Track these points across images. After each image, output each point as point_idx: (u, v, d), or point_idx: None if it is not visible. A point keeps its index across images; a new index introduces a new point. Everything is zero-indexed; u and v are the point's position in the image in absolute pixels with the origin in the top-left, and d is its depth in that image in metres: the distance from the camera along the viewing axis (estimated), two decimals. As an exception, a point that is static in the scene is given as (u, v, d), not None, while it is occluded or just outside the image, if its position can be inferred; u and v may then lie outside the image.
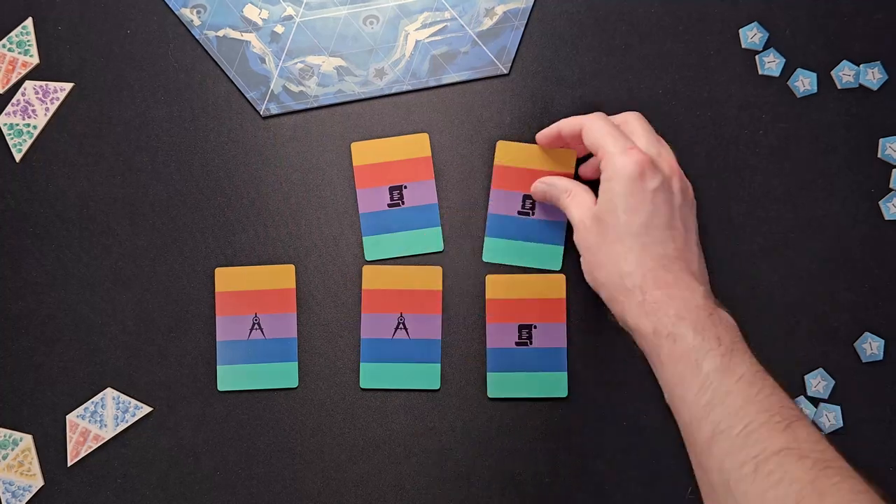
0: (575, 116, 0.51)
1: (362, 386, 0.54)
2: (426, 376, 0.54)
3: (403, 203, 0.55)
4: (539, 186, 0.53)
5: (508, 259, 0.55)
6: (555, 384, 0.53)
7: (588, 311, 0.54)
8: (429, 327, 0.54)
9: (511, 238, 0.55)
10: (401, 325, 0.54)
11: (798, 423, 0.39)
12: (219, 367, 0.54)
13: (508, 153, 0.55)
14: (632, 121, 0.50)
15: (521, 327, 0.54)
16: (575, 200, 0.50)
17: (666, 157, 0.49)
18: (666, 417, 0.53)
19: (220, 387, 0.54)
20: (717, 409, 0.40)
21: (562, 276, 0.54)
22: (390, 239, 0.55)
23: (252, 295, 0.54)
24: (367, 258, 0.55)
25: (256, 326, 0.54)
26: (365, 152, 0.55)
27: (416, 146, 0.55)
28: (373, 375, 0.54)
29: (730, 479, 0.39)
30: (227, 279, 0.55)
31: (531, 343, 0.54)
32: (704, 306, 0.44)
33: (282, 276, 0.55)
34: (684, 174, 0.49)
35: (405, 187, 0.55)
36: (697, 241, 0.48)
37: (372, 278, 0.54)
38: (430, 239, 0.55)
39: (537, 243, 0.55)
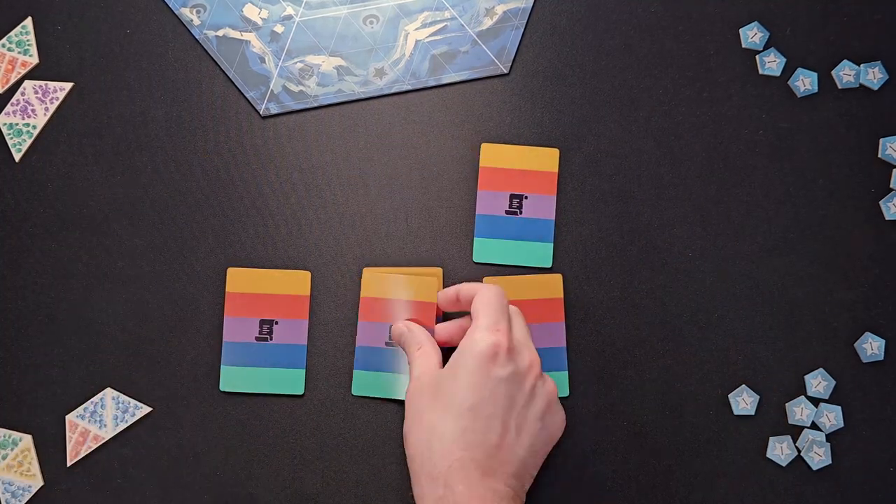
0: (477, 283, 0.49)
1: (354, 393, 0.54)
2: None
3: (521, 213, 0.55)
4: (397, 328, 0.52)
5: (499, 258, 0.55)
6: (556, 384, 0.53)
7: (587, 308, 0.54)
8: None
9: (500, 237, 0.55)
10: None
11: None
12: (223, 368, 0.54)
13: (493, 154, 0.55)
14: (515, 314, 0.48)
15: None
16: (422, 356, 0.49)
17: (529, 357, 0.46)
18: (666, 418, 0.53)
19: (223, 387, 0.54)
20: None
21: (558, 276, 0.54)
22: (502, 245, 0.55)
23: (264, 298, 0.54)
24: (476, 259, 0.55)
25: (266, 330, 0.54)
26: (493, 155, 0.56)
27: (546, 159, 0.55)
28: (365, 384, 0.54)
29: None
30: (239, 280, 0.54)
31: None
32: None
33: (297, 282, 0.54)
34: (549, 383, 0.47)
35: (525, 197, 0.55)
36: (530, 449, 0.45)
37: (369, 286, 0.54)
38: (541, 253, 0.55)
39: (527, 241, 0.55)
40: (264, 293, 0.54)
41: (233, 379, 0.54)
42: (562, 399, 0.54)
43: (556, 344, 0.54)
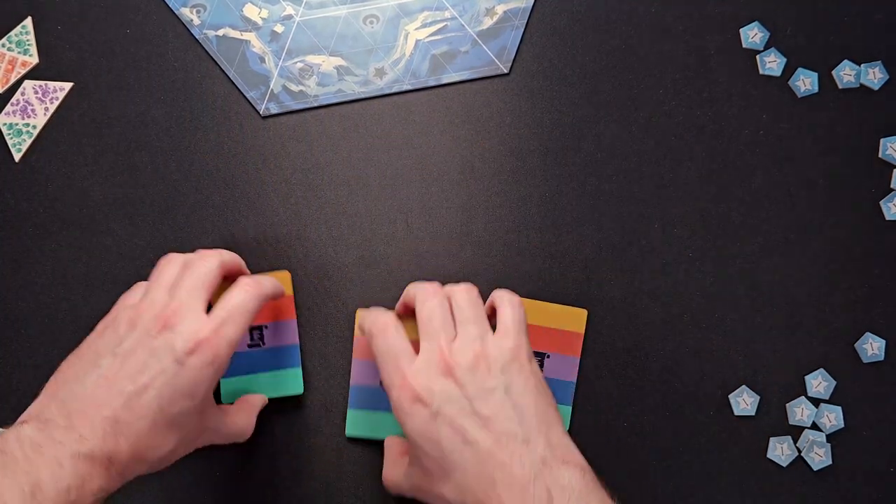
0: (409, 288, 0.48)
1: (347, 434, 0.53)
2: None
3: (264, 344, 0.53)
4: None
5: (370, 433, 0.53)
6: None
7: (587, 309, 0.54)
8: None
9: (374, 409, 0.53)
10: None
11: None
12: (221, 381, 0.52)
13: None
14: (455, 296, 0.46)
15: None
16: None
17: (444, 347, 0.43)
18: (666, 418, 0.53)
19: (224, 400, 0.53)
20: None
21: (583, 311, 0.54)
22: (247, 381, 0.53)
23: None
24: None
25: (257, 336, 0.53)
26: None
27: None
28: (359, 423, 0.53)
29: None
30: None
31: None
32: None
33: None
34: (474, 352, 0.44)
35: (265, 327, 0.53)
36: (521, 411, 0.42)
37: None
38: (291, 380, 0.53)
39: None
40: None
41: (232, 391, 0.53)
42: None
43: (568, 378, 0.53)
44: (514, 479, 0.40)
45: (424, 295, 0.46)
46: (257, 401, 0.51)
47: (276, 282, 0.49)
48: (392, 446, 0.51)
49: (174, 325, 0.42)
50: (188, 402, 0.42)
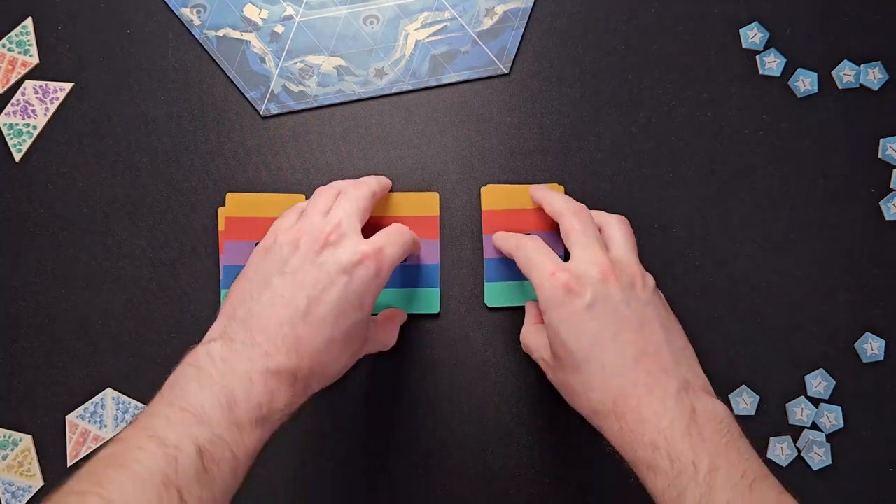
0: (555, 197, 0.49)
1: (487, 304, 0.54)
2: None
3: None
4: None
5: (509, 301, 0.54)
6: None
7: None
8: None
9: (510, 280, 0.54)
10: None
11: None
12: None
13: (493, 196, 0.55)
14: (613, 226, 0.48)
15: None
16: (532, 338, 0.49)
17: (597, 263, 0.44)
18: (666, 417, 0.53)
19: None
20: None
21: (435, 194, 0.55)
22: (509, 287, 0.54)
23: (262, 222, 0.54)
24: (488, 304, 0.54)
25: None
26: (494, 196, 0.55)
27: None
28: (497, 294, 0.54)
29: None
30: (237, 205, 0.54)
31: None
32: (677, 423, 0.40)
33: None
34: (636, 271, 0.45)
35: None
36: (668, 332, 0.44)
37: (489, 200, 0.55)
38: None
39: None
40: (262, 216, 0.54)
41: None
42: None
43: (432, 261, 0.54)
44: (657, 386, 0.41)
45: (576, 208, 0.48)
46: (400, 315, 0.53)
47: (416, 238, 0.50)
48: (532, 309, 0.52)
49: (336, 244, 0.44)
50: (358, 314, 0.43)
